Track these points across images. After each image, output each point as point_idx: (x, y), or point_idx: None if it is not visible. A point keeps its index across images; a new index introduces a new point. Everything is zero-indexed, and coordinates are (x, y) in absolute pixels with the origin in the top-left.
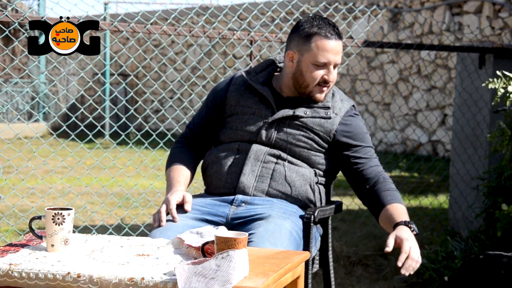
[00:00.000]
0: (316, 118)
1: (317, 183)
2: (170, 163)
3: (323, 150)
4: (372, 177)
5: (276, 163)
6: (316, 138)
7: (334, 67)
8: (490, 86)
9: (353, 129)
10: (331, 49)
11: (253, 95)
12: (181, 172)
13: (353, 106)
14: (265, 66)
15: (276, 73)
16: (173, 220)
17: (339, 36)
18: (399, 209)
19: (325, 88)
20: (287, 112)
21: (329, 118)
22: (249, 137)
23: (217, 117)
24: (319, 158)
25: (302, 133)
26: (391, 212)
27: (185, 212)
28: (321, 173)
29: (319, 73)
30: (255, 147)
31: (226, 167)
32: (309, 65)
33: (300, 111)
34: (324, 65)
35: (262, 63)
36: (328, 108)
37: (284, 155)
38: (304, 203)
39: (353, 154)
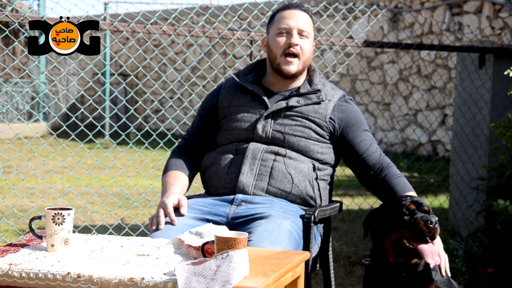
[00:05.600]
0: (310, 105)
1: (316, 179)
2: (166, 170)
3: (321, 139)
4: (375, 163)
5: (274, 160)
6: (313, 125)
7: (301, 34)
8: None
9: (350, 114)
10: (290, 15)
11: (245, 94)
12: (176, 176)
13: (345, 94)
14: (252, 68)
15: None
16: (172, 223)
17: (302, 9)
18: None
19: (291, 59)
20: (281, 104)
21: (322, 101)
22: (245, 135)
23: (211, 123)
24: (318, 147)
25: (298, 122)
26: None
27: (182, 215)
28: (320, 165)
29: (283, 40)
30: (252, 145)
31: (225, 168)
32: (274, 37)
33: (293, 101)
34: (287, 32)
35: (250, 65)
36: (319, 91)
37: (282, 150)
38: (304, 200)
39: (355, 140)
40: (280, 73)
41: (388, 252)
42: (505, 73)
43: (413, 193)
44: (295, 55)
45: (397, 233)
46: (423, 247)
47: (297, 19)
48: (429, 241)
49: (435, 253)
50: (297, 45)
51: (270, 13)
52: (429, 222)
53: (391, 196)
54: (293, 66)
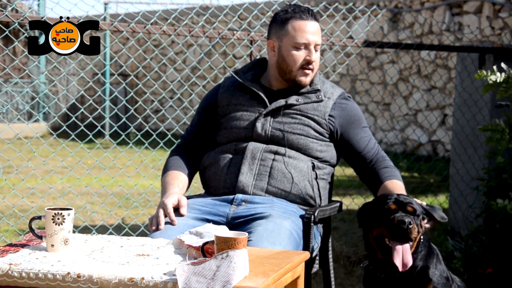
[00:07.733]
0: (309, 103)
1: (315, 178)
2: (165, 170)
3: (320, 137)
4: (371, 157)
5: (273, 159)
6: (312, 123)
7: (315, 48)
8: (492, 78)
9: (349, 111)
10: (308, 29)
11: (244, 93)
12: (176, 176)
13: (344, 92)
14: (251, 67)
15: (265, 73)
16: (172, 224)
17: (314, 17)
18: (396, 185)
19: (308, 71)
20: (280, 102)
21: (321, 100)
22: (245, 134)
23: (210, 122)
24: (317, 145)
25: (297, 120)
26: (389, 188)
27: (181, 215)
28: (320, 164)
29: (301, 55)
30: (251, 145)
31: (224, 168)
32: (289, 48)
33: (292, 99)
34: (305, 46)
35: (249, 63)
36: (318, 90)
37: (281, 149)
38: (304, 199)
39: (354, 138)
40: (294, 83)
41: (375, 248)
42: (487, 77)
43: (398, 181)
44: (311, 68)
45: (378, 230)
46: (395, 246)
47: (314, 32)
48: (406, 242)
49: (406, 254)
50: (314, 61)
51: (270, 13)
52: (401, 223)
53: (376, 184)
54: (309, 77)
